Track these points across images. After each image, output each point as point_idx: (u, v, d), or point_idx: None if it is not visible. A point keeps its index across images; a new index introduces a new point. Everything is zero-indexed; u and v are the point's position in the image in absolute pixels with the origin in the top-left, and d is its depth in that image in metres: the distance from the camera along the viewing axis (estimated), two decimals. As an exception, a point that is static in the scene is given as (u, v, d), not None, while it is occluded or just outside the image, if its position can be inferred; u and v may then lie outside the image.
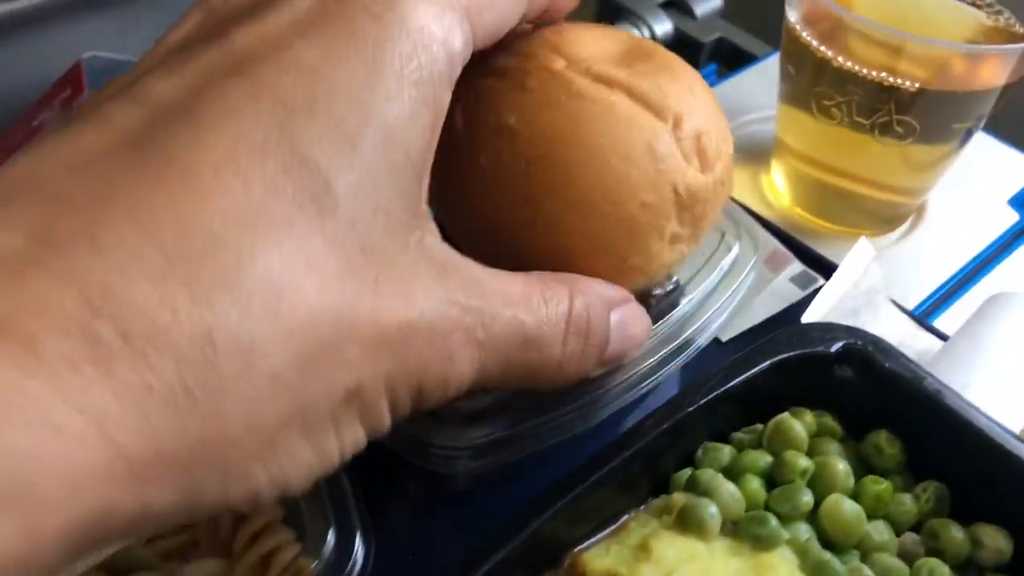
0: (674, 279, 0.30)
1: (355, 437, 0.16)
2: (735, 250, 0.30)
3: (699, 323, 0.29)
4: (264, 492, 0.15)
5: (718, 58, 0.52)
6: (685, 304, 0.29)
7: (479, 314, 0.17)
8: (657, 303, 0.29)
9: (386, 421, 0.17)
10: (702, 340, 0.29)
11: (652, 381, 0.28)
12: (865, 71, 0.35)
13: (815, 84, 0.37)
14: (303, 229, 0.14)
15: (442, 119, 0.17)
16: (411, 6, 0.16)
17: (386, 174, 0.16)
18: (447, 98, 0.17)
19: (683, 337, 0.28)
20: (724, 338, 0.35)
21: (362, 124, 0.15)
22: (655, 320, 0.28)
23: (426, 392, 0.17)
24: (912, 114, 0.36)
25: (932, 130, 0.36)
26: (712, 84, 0.48)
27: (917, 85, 0.35)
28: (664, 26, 0.49)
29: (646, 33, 0.49)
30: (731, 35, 0.50)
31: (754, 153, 0.44)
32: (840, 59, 0.35)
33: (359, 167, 0.15)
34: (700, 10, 0.50)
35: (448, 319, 0.17)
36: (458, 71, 0.18)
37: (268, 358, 0.14)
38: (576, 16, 0.24)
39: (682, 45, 0.50)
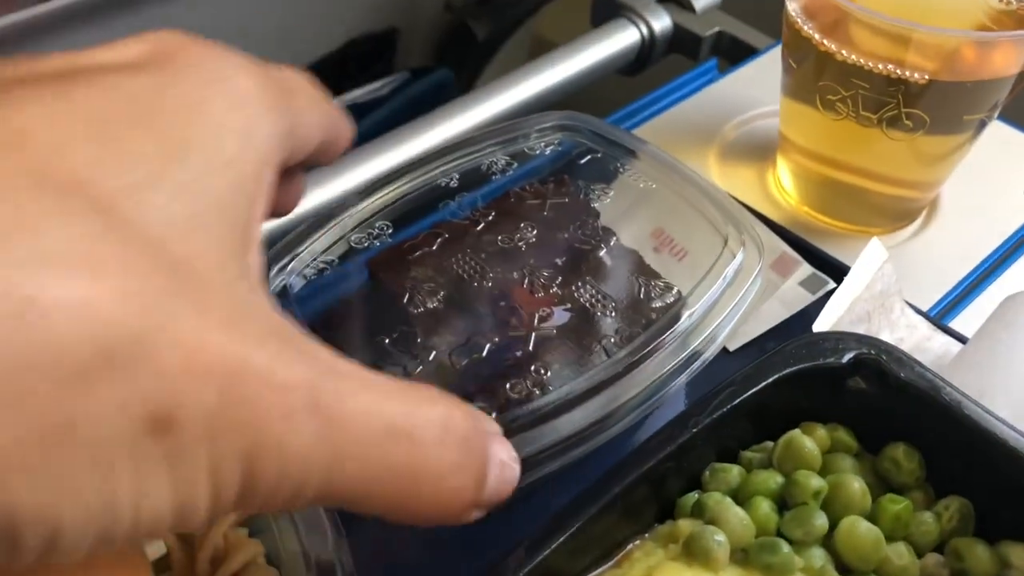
0: (675, 289, 0.29)
1: (158, 498, 0.13)
2: (739, 257, 0.29)
3: (704, 335, 0.28)
4: (27, 523, 0.12)
5: (718, 52, 0.50)
6: (687, 316, 0.28)
7: (329, 382, 0.14)
8: (658, 316, 0.28)
9: (201, 494, 0.13)
10: (708, 353, 0.28)
11: (658, 399, 0.26)
12: (871, 64, 0.34)
13: (819, 78, 0.35)
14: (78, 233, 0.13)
15: (263, 197, 0.16)
16: (240, 75, 0.16)
17: (207, 205, 0.14)
18: (269, 173, 0.16)
19: (689, 350, 0.27)
20: (732, 347, 0.33)
21: (184, 147, 0.14)
22: (658, 334, 0.27)
23: (259, 466, 0.13)
24: (921, 107, 0.34)
25: (943, 122, 0.35)
26: (713, 80, 0.47)
27: (926, 77, 0.33)
28: (662, 22, 0.48)
29: (644, 30, 0.47)
30: (731, 28, 0.49)
31: (759, 150, 0.43)
32: (844, 52, 0.34)
33: (176, 189, 0.14)
34: (699, 3, 0.48)
35: (290, 373, 0.14)
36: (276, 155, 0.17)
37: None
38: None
39: (681, 41, 0.49)
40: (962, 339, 0.33)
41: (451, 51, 0.62)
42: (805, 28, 0.35)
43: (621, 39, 0.47)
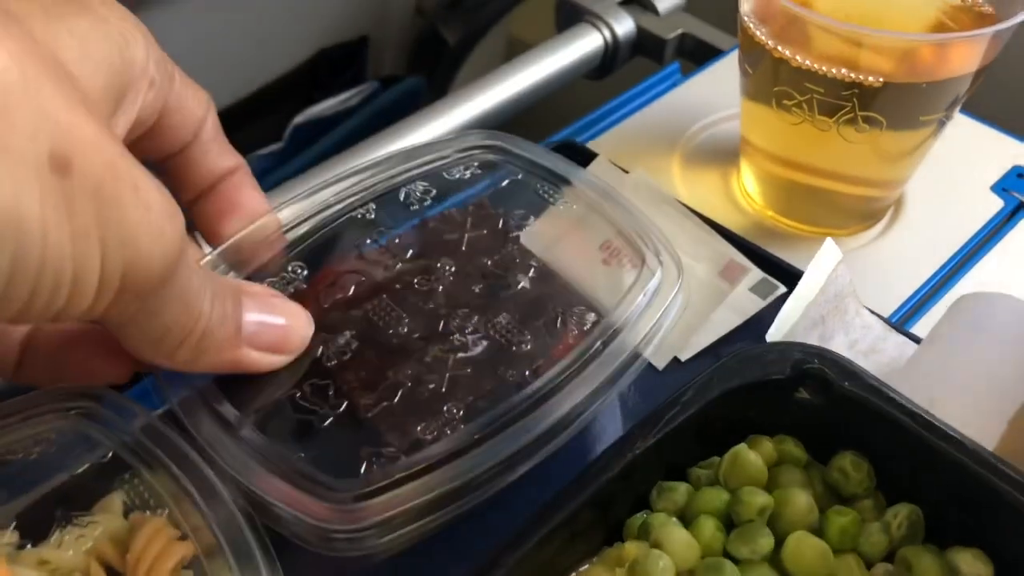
0: (592, 314, 0.29)
1: (59, 242, 0.17)
2: (657, 275, 0.29)
3: (623, 357, 0.27)
4: None
5: (683, 54, 0.50)
6: (604, 339, 0.27)
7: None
8: (575, 341, 0.28)
9: (93, 265, 0.17)
10: (631, 371, 0.27)
11: (584, 419, 0.26)
12: (824, 68, 0.33)
13: (774, 83, 0.35)
14: None
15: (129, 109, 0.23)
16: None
17: (97, 65, 0.21)
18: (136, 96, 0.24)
19: (610, 371, 0.26)
20: (683, 357, 0.33)
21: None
22: (577, 359, 0.26)
23: (138, 266, 0.18)
24: (876, 109, 0.34)
25: (900, 123, 0.35)
26: (675, 84, 0.47)
27: (881, 80, 0.33)
28: (625, 25, 0.47)
29: (607, 34, 0.47)
30: (695, 30, 0.48)
31: (723, 154, 0.43)
32: (798, 57, 0.34)
33: (80, 43, 0.21)
34: (663, 5, 0.48)
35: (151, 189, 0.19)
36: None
37: None
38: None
39: (645, 44, 0.48)
40: (916, 340, 0.33)
41: (422, 57, 0.62)
42: (758, 33, 0.35)
43: (585, 44, 0.47)
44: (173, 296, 0.20)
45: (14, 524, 0.22)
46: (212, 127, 0.28)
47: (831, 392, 0.27)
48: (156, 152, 0.27)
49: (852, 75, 0.33)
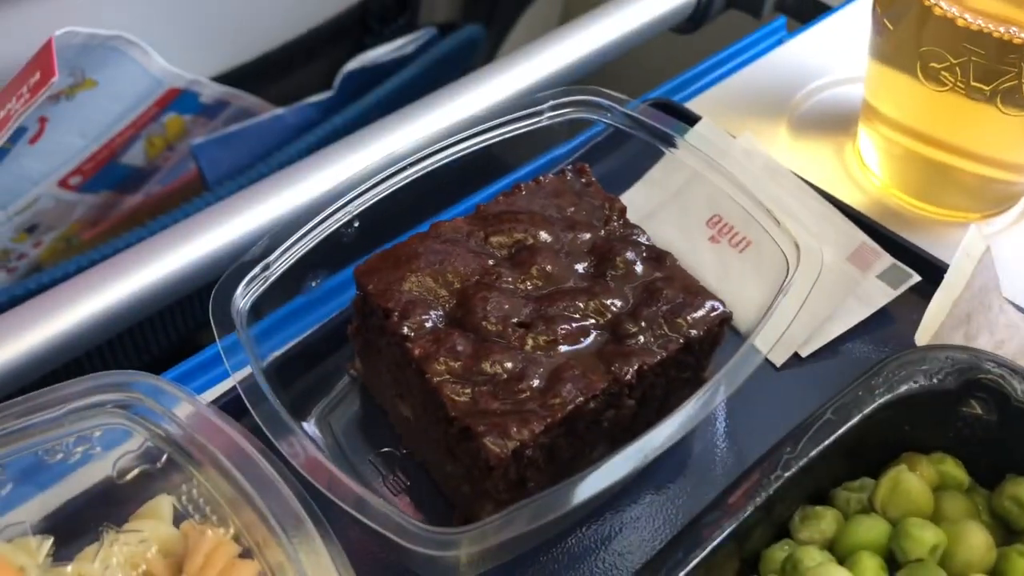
0: (714, 303, 0.25)
1: None
2: (777, 258, 0.25)
3: (741, 352, 0.23)
4: None
5: (784, 9, 0.45)
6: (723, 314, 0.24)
7: None
8: (698, 333, 0.24)
9: None
10: (746, 368, 0.23)
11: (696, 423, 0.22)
12: (988, 25, 0.28)
13: (920, 42, 0.30)
14: None
15: None
16: None
17: None
18: None
19: (727, 367, 0.23)
20: (804, 353, 0.29)
21: None
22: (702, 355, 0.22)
23: None
24: (1046, 77, 0.29)
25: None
26: (781, 42, 0.42)
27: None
28: (721, -26, 0.42)
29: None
30: (800, -19, 0.43)
31: (837, 123, 0.38)
32: (955, 11, 0.29)
33: None
34: (763, -48, 0.43)
35: None
36: None
37: None
38: None
39: (741, -4, 0.43)
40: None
41: (478, 2, 0.57)
42: (905, -18, 0.30)
43: (673, -8, 0.42)
44: None
45: (47, 532, 0.18)
46: None
47: (1007, 405, 0.22)
48: None
49: (1021, 35, 0.28)
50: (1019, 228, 0.35)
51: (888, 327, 0.30)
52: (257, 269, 0.24)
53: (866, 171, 0.36)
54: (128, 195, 0.46)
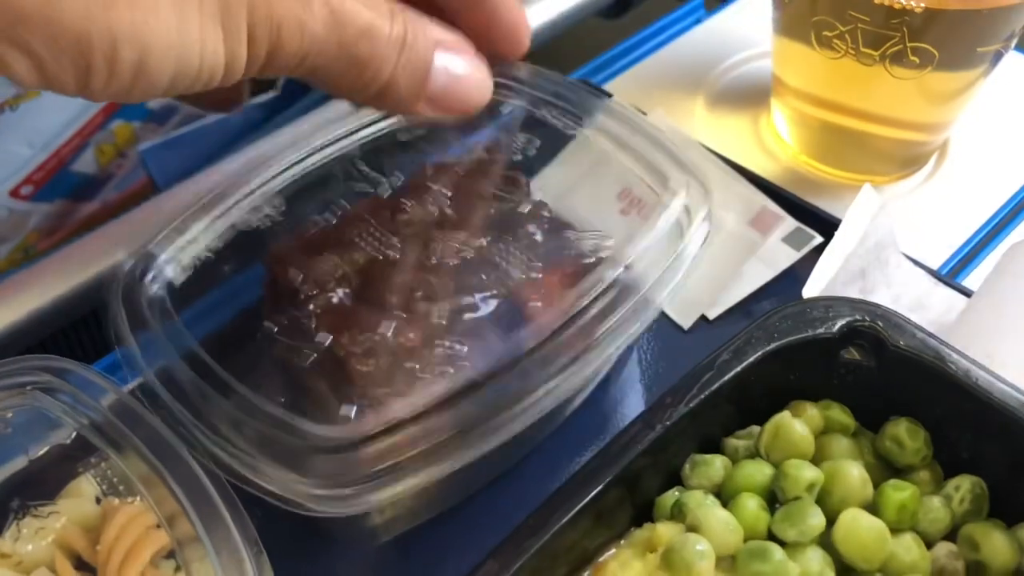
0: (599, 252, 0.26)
1: (215, 43, 0.18)
2: (677, 205, 0.25)
3: (635, 297, 0.23)
4: (123, 40, 0.16)
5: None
6: (616, 273, 0.24)
7: None
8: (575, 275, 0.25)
9: (241, 49, 0.18)
10: (646, 318, 0.24)
11: (599, 375, 0.23)
12: (870, -7, 0.30)
13: (813, 12, 0.32)
14: None
15: None
16: None
17: None
18: None
19: (620, 313, 0.23)
20: (711, 315, 0.31)
21: None
22: (580, 297, 0.23)
23: (284, 36, 0.19)
24: (929, 40, 0.30)
25: (953, 57, 0.31)
26: (699, 21, 0.43)
27: (935, 5, 0.29)
28: (642, -43, 0.44)
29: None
30: (717, -38, 0.45)
31: (752, 96, 0.39)
32: (839, -20, 0.30)
33: None
34: (682, -65, 0.44)
35: None
36: None
37: None
38: None
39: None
40: (967, 293, 0.30)
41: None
42: (794, -44, 0.31)
43: (598, -23, 0.43)
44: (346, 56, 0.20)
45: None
46: None
47: (884, 352, 0.24)
48: None
49: (902, 1, 0.30)
50: (926, 188, 0.36)
51: (794, 288, 0.31)
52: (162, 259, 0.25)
53: (780, 142, 0.38)
54: (83, 203, 0.47)
